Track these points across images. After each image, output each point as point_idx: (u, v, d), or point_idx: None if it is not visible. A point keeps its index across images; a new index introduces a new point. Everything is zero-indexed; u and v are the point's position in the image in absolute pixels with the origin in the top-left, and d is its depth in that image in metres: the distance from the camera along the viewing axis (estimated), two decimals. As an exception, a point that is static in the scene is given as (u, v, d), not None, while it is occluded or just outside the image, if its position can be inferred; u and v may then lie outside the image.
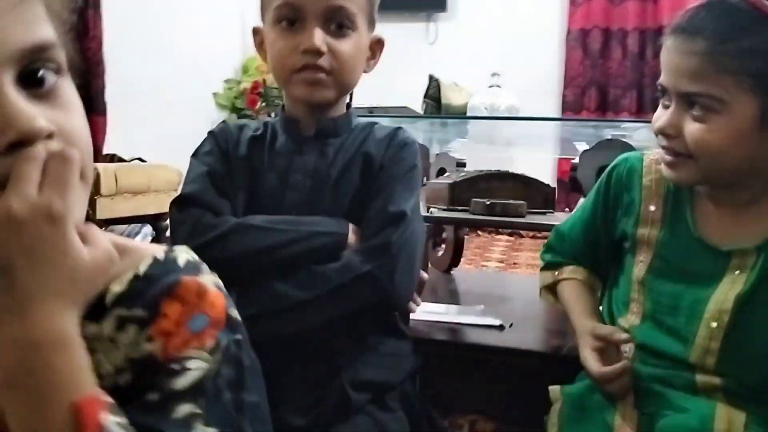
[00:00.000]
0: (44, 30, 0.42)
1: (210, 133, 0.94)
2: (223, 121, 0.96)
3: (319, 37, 0.84)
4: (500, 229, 4.33)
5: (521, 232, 4.35)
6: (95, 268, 0.42)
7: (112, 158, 3.34)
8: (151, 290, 0.45)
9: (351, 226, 0.86)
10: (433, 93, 3.25)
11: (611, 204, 0.86)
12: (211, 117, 4.50)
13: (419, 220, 0.90)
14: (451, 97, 3.12)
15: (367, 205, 0.87)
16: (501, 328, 1.36)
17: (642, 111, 4.33)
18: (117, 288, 0.45)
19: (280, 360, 0.83)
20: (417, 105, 2.53)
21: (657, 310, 0.79)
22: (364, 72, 0.94)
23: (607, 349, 0.80)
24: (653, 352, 0.78)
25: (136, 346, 0.44)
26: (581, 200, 1.89)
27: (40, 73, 0.42)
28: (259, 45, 0.95)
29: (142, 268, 0.47)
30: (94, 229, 0.45)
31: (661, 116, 0.74)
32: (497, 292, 1.85)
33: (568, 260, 0.96)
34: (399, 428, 0.84)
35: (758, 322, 0.72)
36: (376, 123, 0.97)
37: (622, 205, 0.84)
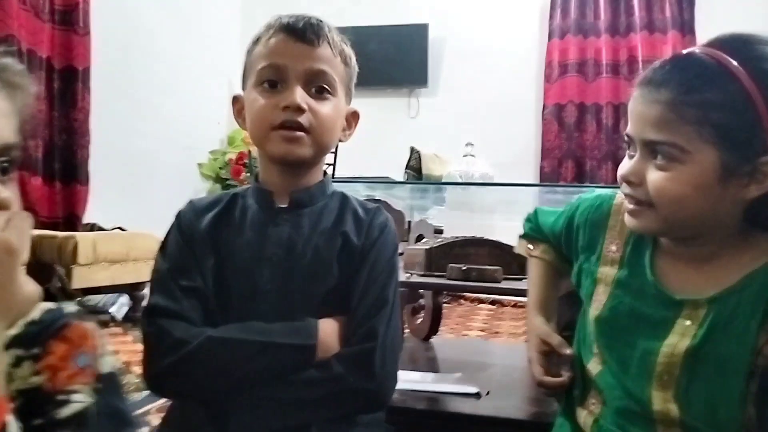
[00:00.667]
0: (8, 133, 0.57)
1: (177, 214, 0.93)
2: (189, 201, 0.96)
3: (300, 95, 0.86)
4: (481, 297, 4.32)
5: (503, 301, 4.35)
6: (29, 300, 0.54)
7: (92, 227, 3.34)
8: (42, 332, 0.55)
9: (330, 322, 0.86)
10: (415, 164, 3.34)
11: (574, 234, 0.89)
12: (195, 187, 4.54)
13: (398, 306, 0.91)
14: (431, 167, 3.19)
15: (350, 292, 0.88)
16: (477, 396, 1.33)
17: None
18: (13, 331, 0.54)
19: (254, 425, 0.81)
20: (399, 175, 2.58)
21: (612, 360, 0.79)
22: (340, 141, 0.96)
23: (552, 355, 0.89)
24: (615, 405, 0.77)
25: (27, 379, 0.53)
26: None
27: (5, 166, 0.57)
28: (238, 112, 0.96)
29: (35, 315, 0.56)
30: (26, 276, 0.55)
31: (626, 165, 0.75)
32: (476, 359, 1.83)
33: (542, 237, 1.00)
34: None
35: (708, 376, 0.72)
36: (348, 196, 0.97)
37: (584, 238, 0.87)
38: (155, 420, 1.75)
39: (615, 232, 0.82)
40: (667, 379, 0.73)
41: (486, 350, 2.12)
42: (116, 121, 3.53)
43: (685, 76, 0.71)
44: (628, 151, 0.77)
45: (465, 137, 4.19)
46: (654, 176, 0.71)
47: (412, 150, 3.33)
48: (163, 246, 0.90)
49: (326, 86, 0.89)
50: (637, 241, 0.81)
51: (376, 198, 1.73)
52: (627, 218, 0.77)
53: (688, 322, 0.74)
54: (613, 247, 0.81)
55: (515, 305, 4.37)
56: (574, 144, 4.54)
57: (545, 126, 4.59)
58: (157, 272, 0.88)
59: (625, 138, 0.77)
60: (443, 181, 1.91)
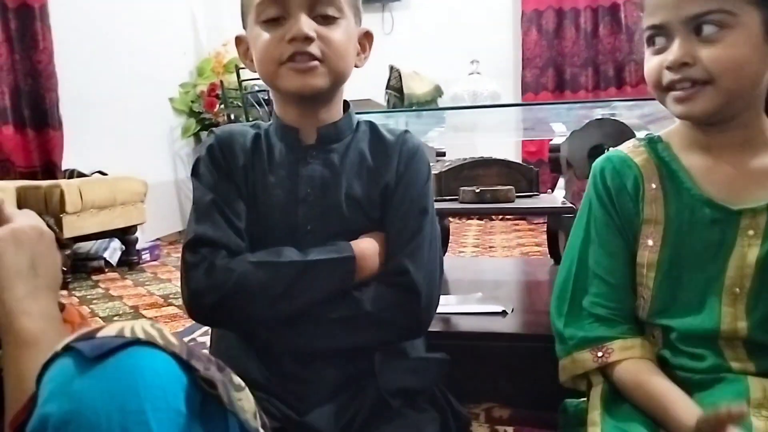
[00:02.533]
0: None
1: (207, 147, 0.88)
2: (211, 130, 0.90)
3: (306, 23, 0.80)
4: (477, 215, 4.36)
5: (490, 215, 4.41)
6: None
7: (72, 174, 3.23)
8: None
9: (368, 240, 0.85)
10: (395, 83, 3.23)
11: (617, 202, 0.82)
12: (169, 123, 4.40)
13: (436, 230, 0.90)
14: (413, 86, 3.10)
15: (387, 220, 0.87)
16: (504, 314, 1.36)
17: (598, 88, 4.42)
18: None
19: (312, 366, 0.82)
20: (379, 96, 2.50)
21: (677, 293, 0.78)
22: (356, 66, 0.89)
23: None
24: (679, 333, 0.77)
25: None
26: (561, 180, 1.92)
27: None
28: (244, 53, 0.90)
29: None
30: None
31: (670, 52, 0.73)
32: (488, 278, 1.86)
33: (618, 320, 0.80)
34: (432, 427, 0.84)
35: None
36: (375, 125, 0.93)
37: (628, 196, 0.81)
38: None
39: (647, 170, 0.81)
40: (739, 293, 0.74)
41: (493, 267, 2.16)
42: (81, 60, 3.34)
43: None
44: (651, 48, 0.76)
45: (443, 51, 4.10)
46: (709, 51, 0.71)
47: (392, 68, 3.22)
48: (199, 177, 0.87)
49: (333, 10, 0.82)
50: (670, 170, 0.80)
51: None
52: (679, 108, 0.75)
53: (751, 232, 0.74)
54: (653, 185, 0.80)
55: (503, 218, 4.45)
56: (554, 52, 4.46)
57: (525, 34, 4.49)
58: (199, 202, 0.85)
59: (648, 32, 0.76)
60: (443, 102, 1.86)
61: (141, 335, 0.49)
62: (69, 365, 0.47)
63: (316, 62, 0.81)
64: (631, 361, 0.77)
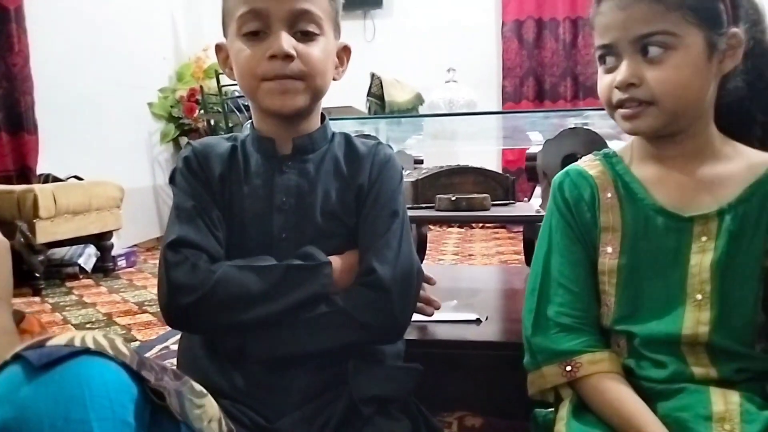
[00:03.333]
0: None
1: (183, 158, 0.89)
2: (189, 143, 0.92)
3: (286, 41, 0.81)
4: (453, 223, 4.38)
5: (470, 223, 4.42)
6: None
7: (47, 178, 3.19)
8: None
9: (339, 258, 0.86)
10: (376, 90, 3.24)
11: (576, 213, 0.83)
12: (148, 128, 4.36)
13: (408, 236, 0.90)
14: (394, 93, 3.11)
15: (359, 222, 0.88)
16: (478, 322, 1.36)
17: (577, 98, 4.48)
18: None
19: (284, 373, 0.81)
20: (360, 103, 2.51)
21: (637, 298, 0.79)
22: (334, 80, 0.91)
23: None
24: (642, 339, 0.78)
25: None
26: (537, 189, 1.93)
27: None
28: (224, 61, 0.91)
29: None
30: None
31: (618, 72, 0.76)
32: (465, 285, 1.86)
33: (583, 328, 0.80)
34: (405, 434, 0.83)
35: (732, 285, 0.75)
36: (349, 136, 0.95)
37: (585, 206, 0.83)
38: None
39: (602, 180, 0.83)
40: (701, 299, 0.75)
41: (470, 275, 2.16)
42: (58, 63, 3.30)
43: None
44: (603, 67, 0.79)
45: (425, 60, 4.11)
46: (653, 72, 0.74)
47: (373, 76, 3.23)
48: (177, 185, 0.88)
49: (312, 26, 0.84)
50: (624, 180, 0.82)
51: (360, 132, 1.69)
52: (627, 125, 0.78)
53: (704, 238, 0.76)
54: (608, 194, 0.82)
55: (483, 226, 4.47)
56: (534, 62, 4.51)
57: (505, 44, 4.53)
58: (180, 207, 0.85)
59: (600, 51, 0.79)
60: (421, 109, 1.87)
61: (91, 345, 0.48)
62: (16, 373, 0.46)
63: (296, 81, 0.83)
64: (599, 377, 0.77)
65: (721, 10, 0.75)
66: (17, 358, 0.47)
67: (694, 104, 0.76)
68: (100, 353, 0.48)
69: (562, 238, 0.84)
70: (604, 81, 0.79)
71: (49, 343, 0.48)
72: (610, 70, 0.78)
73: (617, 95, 0.77)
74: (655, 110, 0.75)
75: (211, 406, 0.55)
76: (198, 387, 0.54)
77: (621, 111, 0.77)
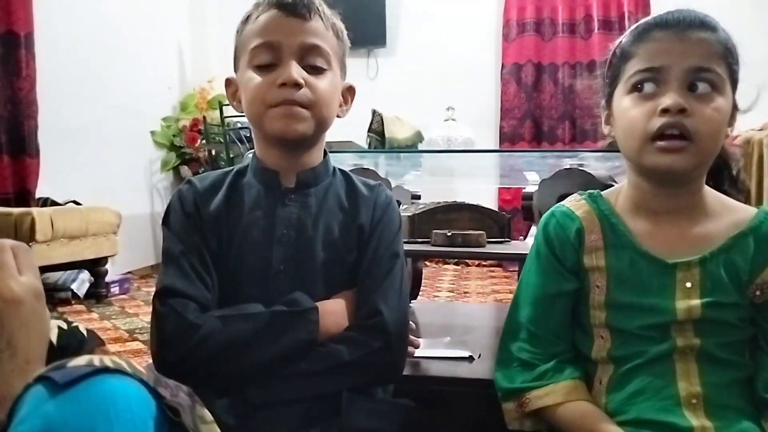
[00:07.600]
0: None
1: (178, 195, 0.90)
2: (188, 181, 0.93)
3: (296, 70, 0.84)
4: (448, 258, 4.39)
5: (467, 260, 4.42)
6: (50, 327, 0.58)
7: (45, 202, 3.19)
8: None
9: (335, 301, 0.87)
10: (377, 127, 3.29)
11: (560, 253, 0.84)
12: (149, 156, 4.39)
13: (405, 279, 0.92)
14: (394, 130, 3.16)
15: (361, 262, 0.89)
16: (470, 359, 1.36)
17: (575, 141, 4.53)
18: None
19: (276, 407, 0.81)
20: (361, 139, 2.55)
21: (628, 327, 0.80)
22: (338, 117, 0.93)
23: None
24: (629, 366, 0.79)
25: None
26: (533, 228, 1.94)
27: None
28: (233, 95, 0.94)
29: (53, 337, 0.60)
30: None
31: (666, 98, 0.73)
32: (459, 322, 1.86)
33: (538, 363, 0.83)
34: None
35: (718, 326, 0.77)
36: (349, 174, 0.97)
37: (571, 247, 0.84)
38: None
39: (588, 222, 0.84)
40: (687, 344, 0.77)
41: (465, 312, 2.15)
42: (63, 89, 3.34)
43: (707, 19, 0.76)
44: (637, 94, 0.76)
45: (425, 98, 4.18)
46: (701, 107, 0.73)
47: (374, 112, 3.28)
48: (169, 226, 0.88)
49: (321, 61, 0.87)
50: (611, 223, 0.83)
51: (359, 166, 1.71)
52: (666, 159, 0.74)
53: (688, 284, 0.77)
54: (593, 236, 0.83)
55: (479, 265, 4.47)
56: (532, 104, 4.58)
57: (504, 86, 4.61)
58: (168, 253, 0.86)
59: (639, 76, 0.76)
60: (424, 146, 1.89)
61: (110, 364, 0.50)
62: (41, 392, 0.47)
63: (302, 109, 0.85)
64: (551, 408, 0.79)
65: (735, 77, 0.77)
66: (40, 379, 0.48)
67: (714, 154, 0.76)
68: (119, 371, 0.49)
69: (536, 278, 0.86)
70: (640, 108, 0.75)
71: (70, 364, 0.49)
72: (647, 98, 0.75)
73: (658, 122, 0.73)
74: (694, 148, 0.73)
75: (216, 428, 0.58)
76: (205, 412, 0.57)
77: (661, 144, 0.73)
